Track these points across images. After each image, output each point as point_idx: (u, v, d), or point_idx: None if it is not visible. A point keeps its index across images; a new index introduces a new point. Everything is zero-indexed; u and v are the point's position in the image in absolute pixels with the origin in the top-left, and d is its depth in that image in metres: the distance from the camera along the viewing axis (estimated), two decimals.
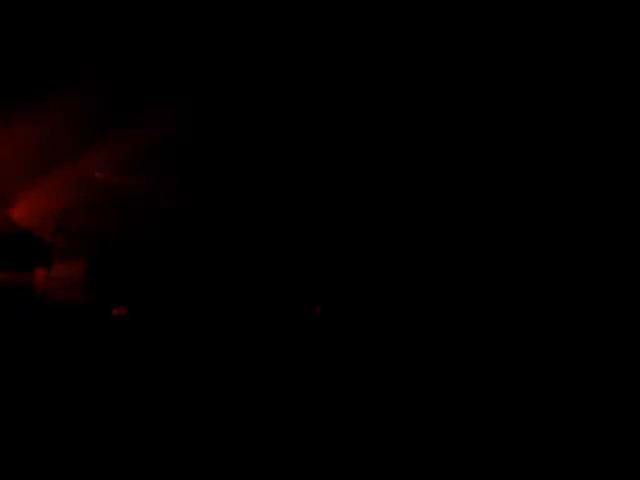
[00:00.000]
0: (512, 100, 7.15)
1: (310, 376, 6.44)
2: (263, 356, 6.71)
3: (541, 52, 6.92)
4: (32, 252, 7.27)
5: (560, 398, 6.07)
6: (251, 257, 7.78)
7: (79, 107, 7.53)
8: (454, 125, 7.34)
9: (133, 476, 4.77)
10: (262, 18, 7.03)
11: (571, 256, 7.01)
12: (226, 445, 5.21)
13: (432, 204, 7.51)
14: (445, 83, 7.21)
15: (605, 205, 6.99)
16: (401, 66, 7.17)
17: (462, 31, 6.95)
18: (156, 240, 7.93)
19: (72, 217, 7.72)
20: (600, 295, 6.76)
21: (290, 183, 7.79)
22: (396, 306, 7.27)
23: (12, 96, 7.44)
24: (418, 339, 6.93)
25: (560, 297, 6.89)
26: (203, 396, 5.87)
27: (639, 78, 6.79)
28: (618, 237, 6.91)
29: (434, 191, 7.51)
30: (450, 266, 7.36)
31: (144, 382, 5.99)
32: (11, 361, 5.96)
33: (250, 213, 7.87)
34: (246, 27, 7.15)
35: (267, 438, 5.33)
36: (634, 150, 6.92)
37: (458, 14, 6.89)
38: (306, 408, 5.85)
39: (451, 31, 6.97)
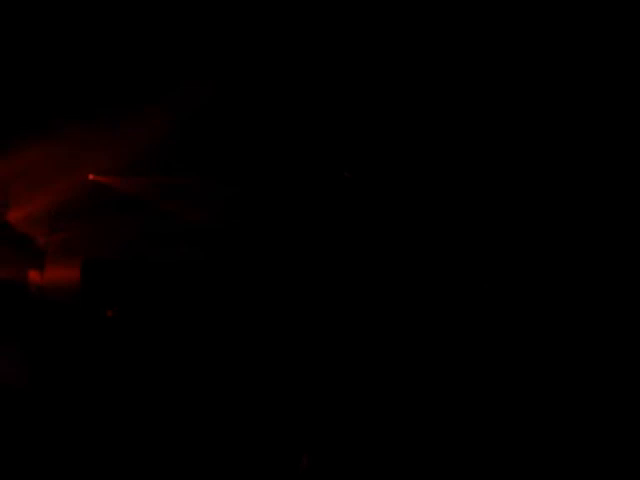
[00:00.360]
0: (512, 100, 7.16)
1: (309, 377, 6.44)
2: (262, 356, 6.71)
3: (541, 52, 6.93)
4: (27, 253, 7.26)
5: (560, 398, 6.06)
6: (251, 257, 7.78)
7: (79, 107, 7.54)
8: (454, 125, 7.35)
9: (130, 475, 4.77)
10: (261, 18, 7.05)
11: (571, 256, 7.01)
12: (224, 443, 5.20)
13: (432, 204, 7.51)
14: (445, 83, 7.23)
15: (605, 205, 6.99)
16: (401, 66, 7.19)
17: (462, 31, 6.97)
18: (155, 240, 7.94)
19: (69, 218, 7.72)
20: (600, 295, 6.75)
21: (290, 183, 7.81)
22: (396, 306, 7.27)
23: (12, 96, 7.46)
24: (417, 339, 6.93)
25: (560, 297, 6.88)
26: (200, 395, 5.87)
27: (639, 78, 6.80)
28: (618, 237, 6.91)
29: (434, 191, 7.52)
30: (450, 266, 7.36)
31: (140, 382, 5.99)
32: (7, 360, 5.96)
33: (250, 212, 7.88)
34: (245, 27, 7.17)
35: (265, 437, 5.32)
36: (634, 150, 6.92)
37: (458, 14, 6.91)
38: (305, 408, 5.84)
39: (451, 31, 6.99)
